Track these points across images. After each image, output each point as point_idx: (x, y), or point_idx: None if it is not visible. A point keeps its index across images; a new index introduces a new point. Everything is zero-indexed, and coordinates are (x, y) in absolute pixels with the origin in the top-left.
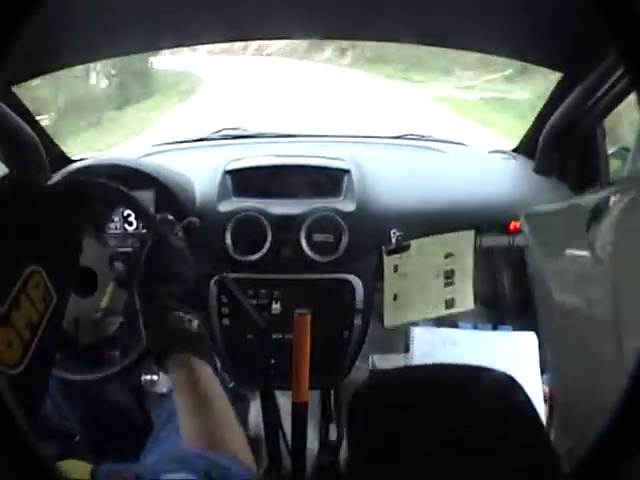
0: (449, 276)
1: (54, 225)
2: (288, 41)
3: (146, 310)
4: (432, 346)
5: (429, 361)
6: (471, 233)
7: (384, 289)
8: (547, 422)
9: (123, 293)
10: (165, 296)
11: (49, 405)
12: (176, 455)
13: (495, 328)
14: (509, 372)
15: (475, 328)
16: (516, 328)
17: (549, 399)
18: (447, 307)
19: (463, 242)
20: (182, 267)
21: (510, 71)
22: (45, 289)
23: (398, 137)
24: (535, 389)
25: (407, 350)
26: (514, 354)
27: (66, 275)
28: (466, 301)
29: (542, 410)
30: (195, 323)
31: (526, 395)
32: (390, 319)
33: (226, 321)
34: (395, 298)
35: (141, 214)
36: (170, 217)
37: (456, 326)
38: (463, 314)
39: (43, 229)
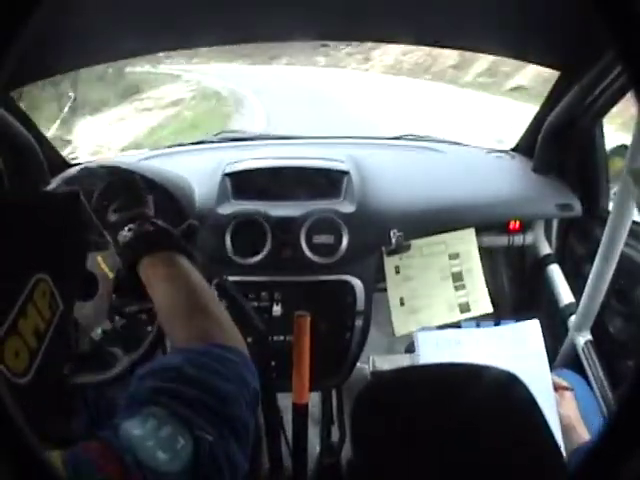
0: (458, 279)
1: (59, 232)
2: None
3: (110, 232)
4: (437, 348)
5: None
6: (472, 231)
7: (389, 293)
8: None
9: (123, 297)
10: (119, 211)
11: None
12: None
13: (497, 324)
14: (516, 363)
15: (478, 326)
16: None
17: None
18: (462, 311)
19: (465, 241)
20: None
21: None
22: (51, 297)
23: (397, 138)
24: (544, 378)
25: (408, 351)
26: (519, 345)
27: (72, 282)
28: (482, 304)
29: (552, 398)
30: (155, 223)
31: (528, 392)
32: (400, 327)
33: None
34: (402, 303)
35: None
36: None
37: (459, 327)
38: None
39: (48, 236)
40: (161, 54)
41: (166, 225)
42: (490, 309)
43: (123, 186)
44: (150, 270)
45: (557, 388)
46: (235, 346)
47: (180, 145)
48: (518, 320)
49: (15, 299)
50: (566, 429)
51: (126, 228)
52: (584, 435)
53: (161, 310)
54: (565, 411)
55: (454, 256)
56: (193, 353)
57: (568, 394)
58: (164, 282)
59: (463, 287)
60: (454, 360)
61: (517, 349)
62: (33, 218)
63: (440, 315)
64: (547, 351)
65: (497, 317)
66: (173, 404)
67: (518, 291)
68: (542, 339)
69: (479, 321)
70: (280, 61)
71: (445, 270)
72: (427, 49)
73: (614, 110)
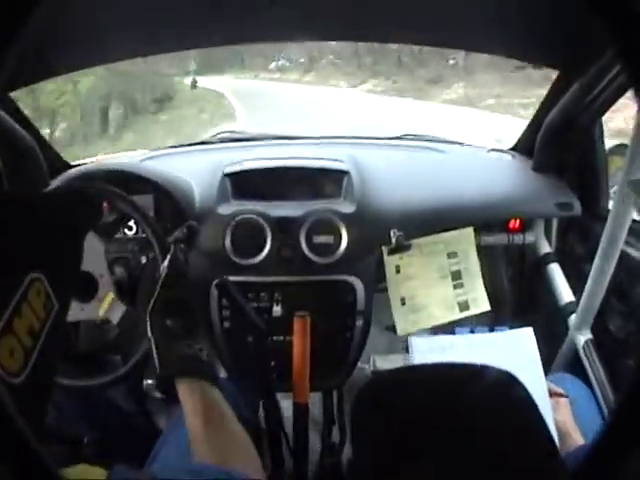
0: (457, 277)
1: (55, 232)
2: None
3: (158, 337)
4: (431, 353)
5: None
6: (470, 230)
7: (389, 293)
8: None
9: (123, 298)
10: (177, 327)
11: (53, 411)
12: (188, 467)
13: (492, 331)
14: (510, 370)
15: (472, 332)
16: (515, 325)
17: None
18: (461, 310)
19: (464, 241)
20: (191, 297)
21: None
22: (46, 296)
23: (397, 137)
24: (538, 385)
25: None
26: (513, 353)
27: (67, 282)
28: (480, 303)
29: (547, 405)
30: (205, 352)
31: (527, 392)
32: (403, 327)
33: (227, 324)
34: (403, 303)
35: (141, 219)
36: (181, 236)
37: (453, 333)
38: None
39: (44, 236)
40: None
41: (211, 358)
42: (488, 307)
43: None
44: (188, 393)
45: (552, 394)
46: (247, 474)
47: (180, 146)
48: (517, 318)
49: (9, 298)
50: (561, 435)
51: (180, 344)
52: (579, 441)
53: (195, 434)
54: (560, 417)
55: (453, 255)
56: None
57: (563, 400)
58: (202, 413)
59: (462, 286)
60: None
61: (511, 356)
62: (28, 218)
63: (440, 314)
64: (547, 351)
65: (496, 316)
66: None
67: (518, 290)
68: (536, 346)
69: (474, 327)
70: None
71: (444, 269)
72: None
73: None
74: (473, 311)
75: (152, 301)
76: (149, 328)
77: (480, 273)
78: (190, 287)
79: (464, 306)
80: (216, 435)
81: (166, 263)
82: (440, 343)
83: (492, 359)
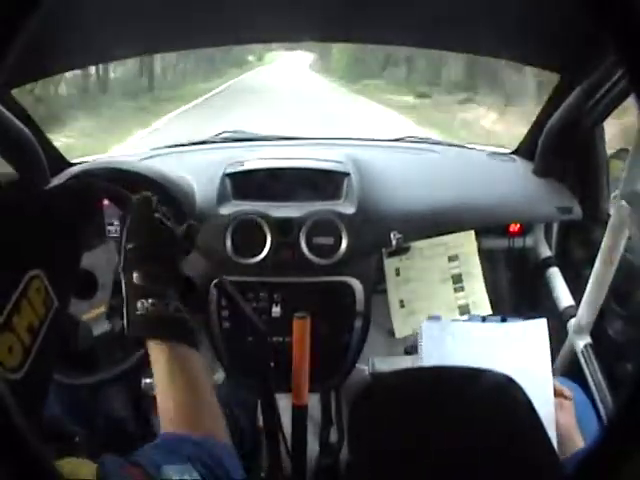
0: (458, 281)
1: (54, 229)
2: None
3: (127, 293)
4: (441, 340)
5: (438, 356)
6: (471, 233)
7: (389, 295)
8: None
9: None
10: (145, 278)
11: (47, 408)
12: (166, 442)
13: (504, 320)
14: (519, 361)
15: (484, 321)
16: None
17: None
18: (462, 313)
19: (465, 244)
20: (164, 246)
21: None
22: (46, 293)
23: (398, 140)
24: (545, 378)
25: (407, 353)
26: (524, 343)
27: (66, 279)
28: (481, 306)
29: (551, 401)
30: (172, 306)
31: (525, 395)
32: (400, 329)
33: (226, 324)
34: (402, 305)
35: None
36: (149, 194)
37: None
38: None
39: (43, 233)
40: None
41: (182, 313)
42: (489, 311)
43: (159, 244)
44: (156, 355)
45: (557, 394)
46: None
47: (181, 145)
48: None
49: (9, 295)
50: (563, 439)
51: (145, 301)
52: (580, 445)
53: (161, 396)
54: (563, 420)
55: (454, 258)
56: (208, 444)
57: (567, 403)
58: (169, 374)
59: (462, 289)
60: (456, 353)
61: (522, 347)
62: (28, 215)
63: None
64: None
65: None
66: (201, 472)
67: (518, 294)
68: (548, 339)
69: (484, 317)
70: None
71: (445, 272)
72: None
73: None
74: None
75: (121, 256)
76: (122, 279)
77: (481, 276)
78: (172, 240)
79: (465, 309)
80: (184, 400)
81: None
82: (451, 330)
83: (502, 349)
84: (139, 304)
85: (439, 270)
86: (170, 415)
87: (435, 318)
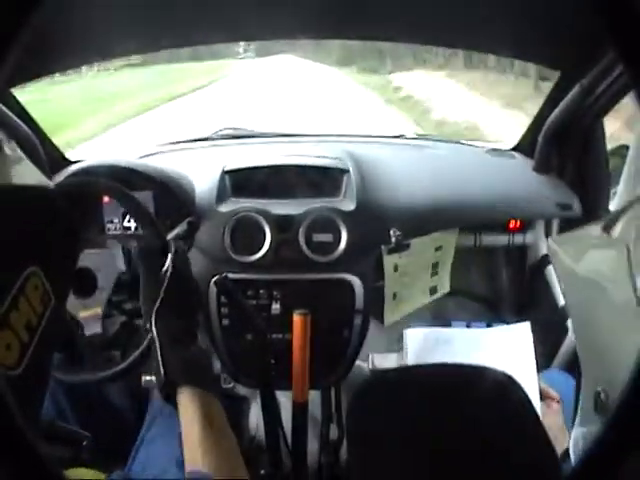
0: (435, 267)
1: (53, 227)
2: None
3: (163, 342)
4: (425, 346)
5: (423, 362)
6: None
7: (385, 289)
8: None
9: (124, 294)
10: (182, 331)
11: (51, 408)
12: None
13: (489, 326)
14: (504, 366)
15: (468, 326)
16: (512, 322)
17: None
18: (431, 294)
19: (449, 236)
20: (196, 302)
21: None
22: (43, 291)
23: (397, 136)
24: (531, 382)
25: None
26: (509, 348)
27: (64, 277)
28: (444, 286)
29: (537, 406)
30: (207, 359)
31: (525, 394)
32: (389, 318)
33: (226, 321)
34: (395, 297)
35: (140, 215)
36: (181, 233)
37: (449, 325)
38: (462, 312)
39: (42, 231)
40: None
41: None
42: (448, 289)
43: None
44: (187, 401)
45: (544, 397)
46: None
47: (180, 142)
48: (515, 319)
49: (7, 292)
50: None
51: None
52: (565, 446)
53: (187, 437)
54: (549, 422)
55: (439, 248)
56: None
57: (555, 406)
58: (198, 422)
59: (437, 274)
60: (442, 359)
61: (506, 351)
62: (27, 213)
63: (416, 299)
64: (546, 351)
65: (496, 316)
66: None
67: (518, 290)
68: (532, 343)
69: (470, 322)
70: None
71: (429, 261)
72: None
73: None
74: (438, 295)
75: (158, 301)
76: (154, 330)
77: (450, 261)
78: (194, 288)
79: (433, 290)
80: (211, 446)
81: (169, 262)
82: (435, 335)
83: (487, 353)
84: (179, 351)
85: (426, 261)
86: (196, 461)
87: (418, 326)
